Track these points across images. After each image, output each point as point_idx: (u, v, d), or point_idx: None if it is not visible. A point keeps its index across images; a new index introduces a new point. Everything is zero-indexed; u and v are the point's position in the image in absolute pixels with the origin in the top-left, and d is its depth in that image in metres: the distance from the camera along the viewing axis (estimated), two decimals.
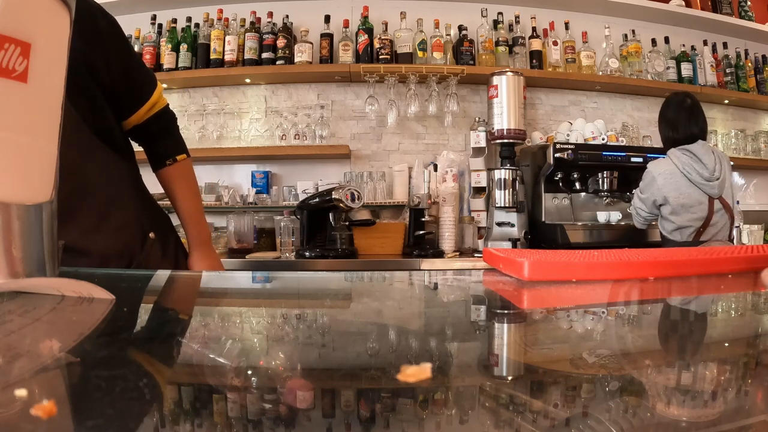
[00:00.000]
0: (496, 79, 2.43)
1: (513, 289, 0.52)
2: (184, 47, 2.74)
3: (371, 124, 2.87)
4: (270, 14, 2.78)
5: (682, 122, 2.06)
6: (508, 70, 2.52)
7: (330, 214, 2.32)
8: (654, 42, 3.02)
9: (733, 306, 0.48)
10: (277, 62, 2.72)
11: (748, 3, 3.30)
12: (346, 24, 2.78)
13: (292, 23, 2.83)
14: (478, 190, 2.73)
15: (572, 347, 0.33)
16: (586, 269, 0.53)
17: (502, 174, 2.38)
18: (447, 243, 2.50)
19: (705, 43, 3.12)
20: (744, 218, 2.78)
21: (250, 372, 0.27)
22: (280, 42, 2.72)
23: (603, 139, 2.67)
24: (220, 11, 2.79)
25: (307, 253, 2.32)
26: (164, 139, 1.17)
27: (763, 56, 3.26)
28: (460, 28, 2.85)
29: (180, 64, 2.73)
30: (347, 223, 2.45)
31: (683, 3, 3.11)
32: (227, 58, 2.72)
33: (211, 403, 0.23)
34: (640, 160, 2.46)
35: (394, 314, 0.46)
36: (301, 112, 2.83)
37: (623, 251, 0.62)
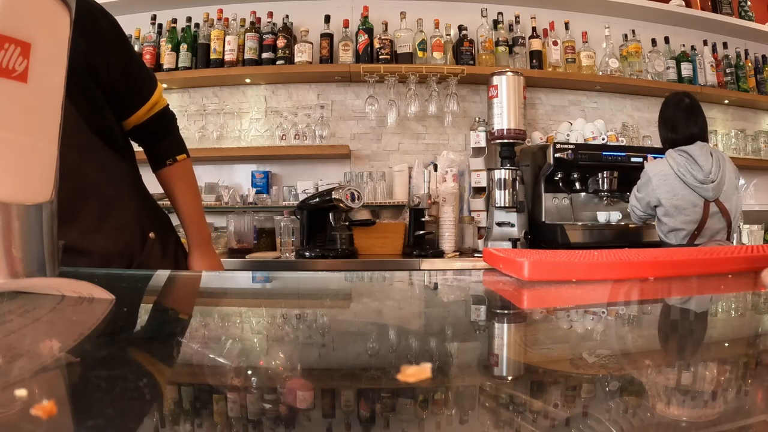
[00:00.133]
0: (496, 79, 2.43)
1: (513, 289, 0.52)
2: (184, 47, 2.74)
3: (371, 124, 2.87)
4: (270, 14, 2.78)
5: (680, 122, 2.04)
6: (508, 70, 2.52)
7: (330, 214, 2.32)
8: (654, 42, 3.02)
9: (733, 306, 0.48)
10: (277, 62, 2.72)
11: (748, 3, 3.30)
12: (346, 24, 2.78)
13: (292, 23, 2.83)
14: (478, 190, 2.73)
15: (572, 347, 0.33)
16: (586, 269, 0.53)
17: (502, 174, 2.38)
18: (447, 243, 2.50)
19: (705, 43, 3.12)
20: (744, 218, 2.77)
21: (250, 372, 0.27)
22: (280, 42, 2.72)
23: (603, 139, 2.67)
24: (220, 11, 2.79)
25: (307, 253, 2.32)
26: (164, 139, 1.17)
27: (763, 56, 3.26)
28: (460, 28, 2.85)
29: (180, 64, 2.73)
30: (347, 223, 2.45)
31: (683, 3, 3.11)
32: (227, 58, 2.72)
33: (211, 403, 0.23)
34: (640, 160, 2.46)
35: (394, 314, 0.46)
36: (301, 112, 2.83)
37: (623, 251, 0.62)
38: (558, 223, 2.43)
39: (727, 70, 3.13)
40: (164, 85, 2.75)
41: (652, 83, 2.95)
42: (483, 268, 0.67)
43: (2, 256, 0.36)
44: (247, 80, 2.82)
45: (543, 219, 2.49)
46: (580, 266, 0.53)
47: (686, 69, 3.03)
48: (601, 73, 2.93)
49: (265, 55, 2.73)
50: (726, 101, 3.20)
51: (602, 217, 2.41)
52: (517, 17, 2.90)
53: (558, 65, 2.89)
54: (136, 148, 1.17)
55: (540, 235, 2.48)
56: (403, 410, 0.22)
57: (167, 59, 2.73)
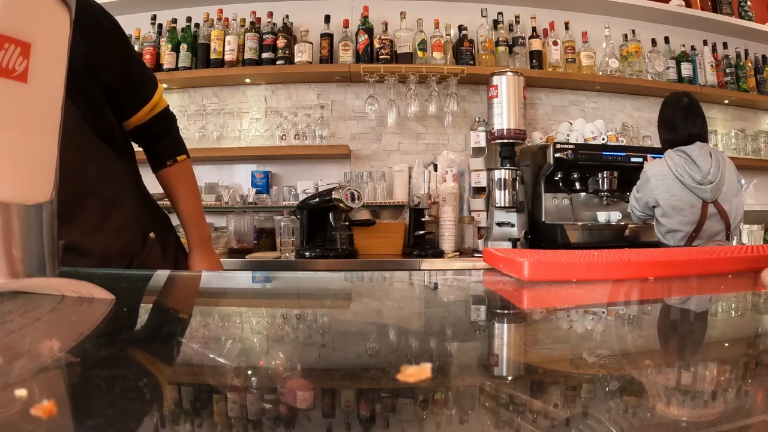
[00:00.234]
0: (496, 79, 2.43)
1: (513, 289, 0.52)
2: (184, 47, 2.74)
3: (371, 124, 2.87)
4: (270, 14, 2.78)
5: (679, 122, 2.03)
6: (508, 70, 2.52)
7: (330, 214, 2.32)
8: (654, 42, 3.02)
9: (733, 306, 0.48)
10: (277, 62, 2.72)
11: (748, 3, 3.30)
12: (346, 24, 2.78)
13: (292, 23, 2.83)
14: (478, 190, 2.73)
15: (572, 347, 0.33)
16: (586, 269, 0.53)
17: (502, 174, 2.38)
18: (447, 243, 2.50)
19: (705, 43, 3.12)
20: (744, 218, 2.77)
21: (250, 372, 0.27)
22: (280, 42, 2.72)
23: (603, 139, 2.67)
24: (220, 11, 2.79)
25: (307, 253, 2.32)
26: (164, 139, 1.17)
27: (763, 56, 3.26)
28: (460, 28, 2.85)
29: (180, 64, 2.73)
30: (347, 223, 2.45)
31: (683, 3, 3.11)
32: (227, 58, 2.72)
33: (211, 403, 0.23)
34: (640, 160, 2.45)
35: (394, 314, 0.46)
36: (301, 112, 2.83)
37: (623, 251, 0.62)
38: (558, 223, 2.43)
39: (727, 70, 3.13)
40: (164, 85, 2.75)
41: (652, 83, 2.95)
42: (483, 268, 0.67)
43: (2, 256, 0.36)
44: (247, 80, 2.82)
45: (543, 219, 2.49)
46: (580, 266, 0.53)
47: (686, 69, 3.03)
48: (601, 73, 2.93)
49: (265, 55, 2.73)
50: (726, 101, 3.20)
51: (602, 217, 2.41)
52: (517, 17, 2.90)
53: (558, 65, 2.89)
54: (136, 148, 1.17)
55: (540, 235, 2.48)
56: (403, 410, 0.22)
57: (167, 59, 2.73)
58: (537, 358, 0.31)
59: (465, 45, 2.79)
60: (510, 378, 0.27)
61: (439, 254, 2.40)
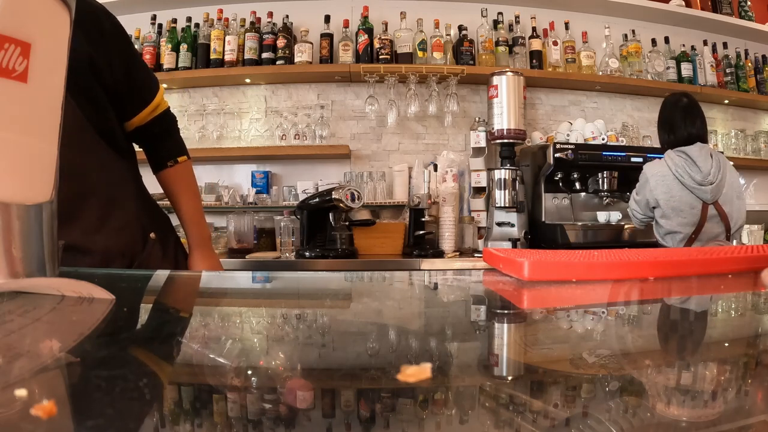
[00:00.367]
0: (496, 79, 2.43)
1: (513, 289, 0.52)
2: (184, 47, 2.74)
3: (371, 124, 2.87)
4: (270, 14, 2.78)
5: (679, 122, 2.00)
6: (508, 70, 2.52)
7: (330, 214, 2.32)
8: (654, 42, 3.02)
9: (733, 306, 0.48)
10: (277, 62, 2.72)
11: (748, 3, 3.30)
12: (346, 24, 2.78)
13: (292, 23, 2.83)
14: (478, 190, 2.73)
15: (572, 347, 0.33)
16: (586, 269, 0.53)
17: (502, 174, 2.38)
18: (447, 243, 2.50)
19: (705, 43, 3.12)
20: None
21: (250, 372, 0.27)
22: (280, 42, 2.72)
23: (603, 139, 2.66)
24: (220, 11, 2.79)
25: (307, 253, 2.32)
26: (165, 140, 1.18)
27: (763, 56, 3.26)
28: (460, 28, 2.85)
29: (180, 64, 2.73)
30: (347, 223, 2.45)
31: (683, 3, 3.11)
32: (227, 58, 2.72)
33: (211, 403, 0.23)
34: (640, 160, 2.45)
35: (394, 314, 0.46)
36: (301, 112, 2.83)
37: (623, 251, 0.62)
38: (558, 223, 2.43)
39: (727, 70, 3.13)
40: (164, 85, 2.75)
41: (652, 83, 2.95)
42: (483, 268, 0.67)
43: (2, 256, 0.36)
44: (247, 80, 2.82)
45: (543, 219, 2.49)
46: (580, 266, 0.53)
47: (686, 69, 3.03)
48: (601, 73, 2.92)
49: (265, 55, 2.73)
50: (726, 101, 3.20)
51: (602, 217, 2.41)
52: (517, 17, 2.90)
53: (558, 65, 2.89)
54: (137, 149, 1.17)
55: (540, 235, 2.48)
56: (403, 410, 0.22)
57: (167, 59, 2.73)
58: (537, 358, 0.31)
59: (465, 45, 2.79)
60: (510, 378, 0.27)
61: (439, 254, 2.40)
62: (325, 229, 2.35)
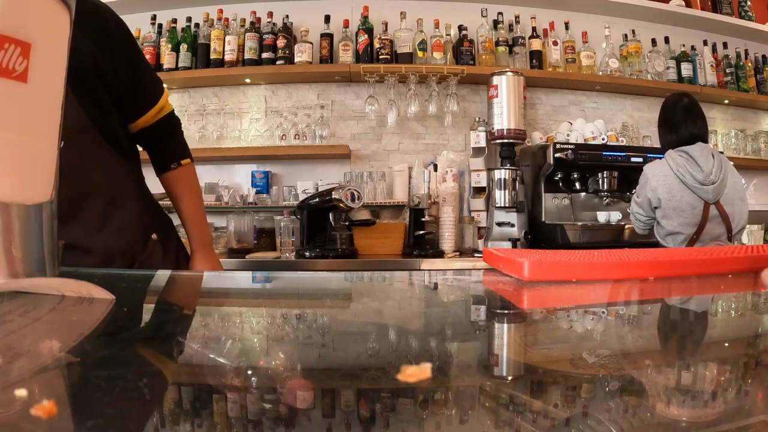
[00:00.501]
0: (496, 79, 2.43)
1: (513, 289, 0.52)
2: (184, 47, 2.74)
3: (371, 124, 2.87)
4: (270, 14, 2.78)
5: (680, 122, 1.99)
6: (508, 70, 2.52)
7: (330, 214, 2.32)
8: (654, 42, 3.02)
9: (733, 306, 0.48)
10: (277, 62, 2.72)
11: (748, 3, 3.30)
12: (346, 24, 2.78)
13: (292, 23, 2.83)
14: (478, 190, 2.73)
15: (572, 347, 0.33)
16: (586, 269, 0.53)
17: (502, 174, 2.38)
18: (447, 243, 2.50)
19: (705, 43, 3.12)
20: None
21: (250, 372, 0.27)
22: (280, 42, 2.72)
23: (603, 139, 2.66)
24: (220, 11, 2.79)
25: (307, 253, 2.32)
26: (169, 143, 1.18)
27: (763, 56, 3.26)
28: (460, 28, 2.85)
29: (180, 64, 2.73)
30: (347, 223, 2.45)
31: (683, 3, 3.11)
32: (227, 58, 2.72)
33: (211, 403, 0.23)
34: (640, 160, 2.45)
35: (394, 314, 0.46)
36: (301, 112, 2.83)
37: (623, 251, 0.62)
38: (558, 223, 2.42)
39: (727, 70, 3.13)
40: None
41: (652, 83, 2.95)
42: (483, 268, 0.67)
43: (2, 256, 0.36)
44: (247, 80, 2.82)
45: (543, 219, 2.49)
46: (580, 266, 0.53)
47: (686, 69, 3.03)
48: (601, 73, 2.92)
49: (265, 55, 2.73)
50: (726, 101, 3.20)
51: (602, 217, 2.41)
52: (517, 17, 2.90)
53: (558, 65, 2.89)
54: (141, 150, 1.18)
55: (540, 235, 2.48)
56: (403, 410, 0.22)
57: (167, 59, 2.73)
58: (537, 358, 0.31)
59: (465, 45, 2.79)
60: (510, 378, 0.27)
61: (439, 254, 2.40)
62: (325, 229, 2.35)
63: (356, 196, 2.13)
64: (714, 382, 0.25)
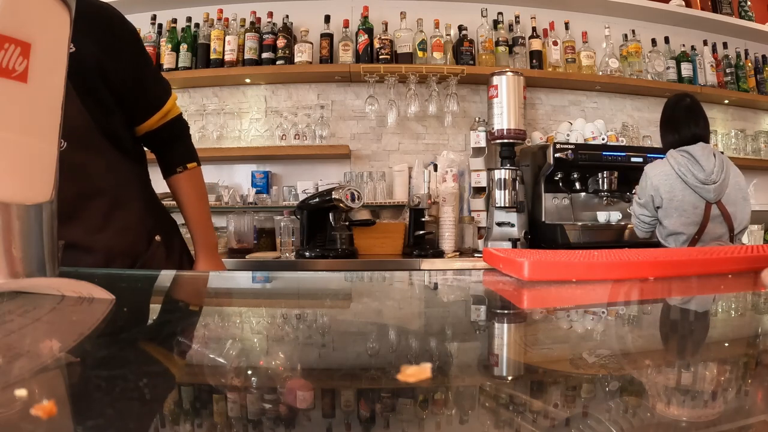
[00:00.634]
0: (496, 79, 2.43)
1: (513, 289, 0.52)
2: (184, 47, 2.74)
3: (371, 124, 2.87)
4: (270, 14, 2.78)
5: (682, 121, 1.99)
6: (508, 70, 2.51)
7: (330, 214, 2.32)
8: (654, 42, 3.02)
9: (733, 306, 0.48)
10: (277, 62, 2.72)
11: (748, 3, 3.30)
12: (346, 24, 2.78)
13: (292, 23, 2.83)
14: (478, 190, 2.73)
15: (572, 347, 0.33)
16: (586, 269, 0.53)
17: (502, 174, 2.38)
18: (447, 243, 2.50)
19: (705, 43, 3.12)
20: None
21: (250, 372, 0.27)
22: (280, 42, 2.72)
23: (603, 139, 2.66)
24: (220, 11, 2.79)
25: (307, 253, 2.32)
26: (175, 146, 1.19)
27: (763, 56, 3.26)
28: (460, 28, 2.85)
29: (180, 64, 2.73)
30: (347, 223, 2.45)
31: (683, 3, 3.11)
32: (227, 58, 2.72)
33: (211, 403, 0.23)
34: (640, 160, 2.45)
35: (394, 314, 0.46)
36: (301, 112, 2.83)
37: (623, 251, 0.62)
38: (558, 223, 2.42)
39: (727, 70, 3.13)
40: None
41: (652, 83, 2.95)
42: (483, 268, 0.67)
43: (2, 256, 0.36)
44: (247, 80, 2.82)
45: (543, 219, 2.49)
46: (580, 266, 0.53)
47: (686, 69, 3.03)
48: (601, 73, 2.92)
49: (265, 55, 2.73)
50: (726, 101, 3.20)
51: (602, 217, 2.41)
52: (517, 17, 2.90)
53: (558, 65, 2.89)
54: (148, 153, 1.18)
55: (540, 235, 2.48)
56: (403, 410, 0.22)
57: (167, 59, 2.73)
58: (537, 358, 0.31)
59: (465, 45, 2.79)
60: (510, 378, 0.27)
61: (439, 254, 2.40)
62: (325, 229, 2.35)
63: (356, 196, 2.13)
64: (714, 382, 0.25)
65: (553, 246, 2.38)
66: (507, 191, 2.37)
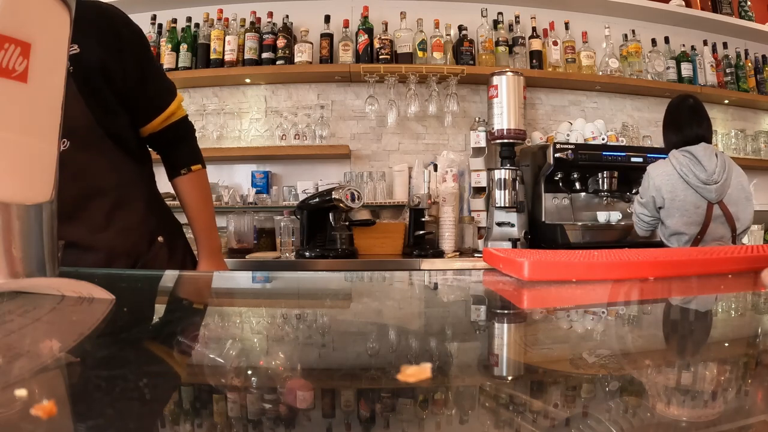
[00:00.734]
0: (496, 79, 2.43)
1: (513, 289, 0.52)
2: (184, 47, 2.74)
3: (371, 124, 2.87)
4: (270, 14, 2.78)
5: (685, 122, 2.00)
6: (508, 70, 2.51)
7: (330, 214, 2.32)
8: (654, 42, 3.02)
9: (733, 306, 0.48)
10: (277, 62, 2.72)
11: (748, 3, 3.30)
12: (346, 24, 2.78)
13: (292, 23, 2.83)
14: (478, 190, 2.73)
15: (572, 347, 0.33)
16: (586, 269, 0.53)
17: (502, 174, 2.38)
18: (447, 243, 2.50)
19: (705, 43, 3.12)
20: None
21: (250, 372, 0.27)
22: (280, 42, 2.72)
23: (603, 139, 2.66)
24: (220, 11, 2.79)
25: (307, 253, 2.32)
26: (179, 148, 1.19)
27: (763, 56, 3.26)
28: (460, 28, 2.85)
29: (180, 64, 2.73)
30: (347, 223, 2.45)
31: (683, 3, 3.11)
32: (227, 58, 2.72)
33: (211, 403, 0.23)
34: (640, 160, 2.45)
35: (394, 314, 0.46)
36: (301, 112, 2.83)
37: (623, 251, 0.62)
38: (558, 223, 2.42)
39: (727, 70, 3.13)
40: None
41: (652, 83, 2.95)
42: (483, 268, 0.67)
43: (2, 256, 0.36)
44: (247, 80, 2.82)
45: (543, 219, 2.49)
46: (580, 266, 0.53)
47: (686, 69, 3.03)
48: (601, 73, 2.92)
49: (265, 55, 2.73)
50: (726, 101, 3.20)
51: (602, 217, 2.41)
52: (517, 17, 2.90)
53: (558, 65, 2.89)
54: (154, 155, 1.18)
55: (540, 235, 2.48)
56: (403, 410, 0.22)
57: (167, 59, 2.73)
58: (537, 358, 0.31)
59: (465, 45, 2.79)
60: (510, 378, 0.27)
61: (439, 254, 2.40)
62: (325, 229, 2.35)
63: (356, 196, 2.13)
64: (714, 382, 0.25)
65: (553, 246, 2.38)
66: (507, 191, 2.37)
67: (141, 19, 2.80)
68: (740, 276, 0.57)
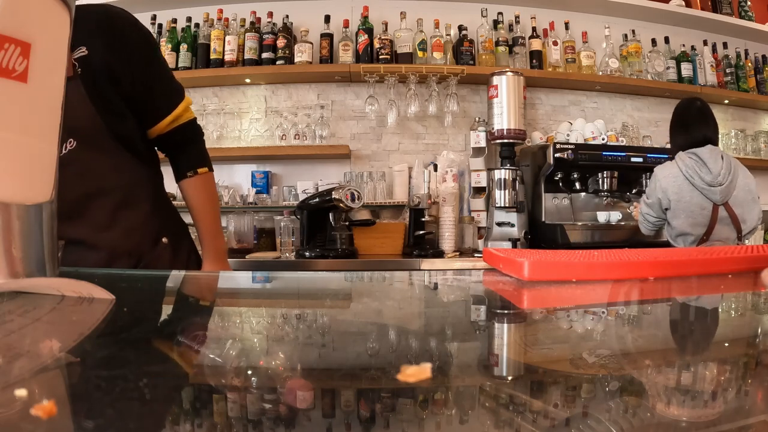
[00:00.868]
0: (496, 79, 2.43)
1: (513, 289, 0.52)
2: (184, 47, 2.74)
3: (371, 124, 2.87)
4: (270, 14, 2.78)
5: (692, 123, 2.01)
6: (508, 70, 2.51)
7: (330, 214, 2.32)
8: (654, 42, 3.02)
9: (733, 306, 0.48)
10: (277, 62, 2.72)
11: (748, 3, 3.30)
12: (346, 24, 2.78)
13: (292, 23, 2.83)
14: (478, 190, 2.73)
15: (572, 347, 0.33)
16: (586, 269, 0.53)
17: (502, 174, 2.38)
18: (447, 243, 2.50)
19: (705, 43, 3.12)
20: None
21: (250, 372, 0.27)
22: (280, 42, 2.72)
23: (603, 139, 2.66)
24: (220, 11, 2.79)
25: (307, 253, 2.31)
26: (186, 151, 1.19)
27: (763, 56, 3.26)
28: (460, 28, 2.85)
29: (180, 64, 2.73)
30: (347, 223, 2.45)
31: (683, 3, 3.11)
32: (227, 58, 2.72)
33: (211, 403, 0.23)
34: (640, 160, 2.45)
35: (394, 314, 0.46)
36: (301, 112, 2.83)
37: (623, 251, 0.62)
38: (558, 223, 2.42)
39: (727, 70, 3.13)
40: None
41: (652, 83, 2.95)
42: (483, 268, 0.67)
43: (2, 256, 0.36)
44: (247, 80, 2.82)
45: (543, 219, 2.49)
46: (580, 266, 0.53)
47: (686, 69, 3.03)
48: (601, 73, 2.92)
49: (265, 55, 2.73)
50: (726, 101, 3.20)
51: (602, 217, 2.41)
52: (517, 17, 2.90)
53: (558, 65, 2.89)
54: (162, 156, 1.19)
55: (540, 235, 2.48)
56: (403, 410, 0.22)
57: (167, 59, 2.73)
58: (537, 358, 0.31)
59: (465, 45, 2.79)
60: (510, 378, 0.27)
61: (439, 254, 2.40)
62: (325, 229, 2.35)
63: (356, 196, 2.13)
64: (714, 382, 0.25)
65: (553, 246, 2.38)
66: (507, 191, 2.37)
67: (141, 19, 2.78)
68: (740, 276, 0.57)
